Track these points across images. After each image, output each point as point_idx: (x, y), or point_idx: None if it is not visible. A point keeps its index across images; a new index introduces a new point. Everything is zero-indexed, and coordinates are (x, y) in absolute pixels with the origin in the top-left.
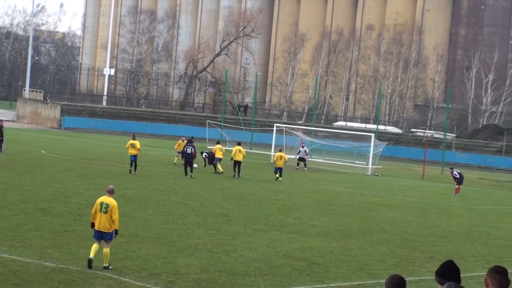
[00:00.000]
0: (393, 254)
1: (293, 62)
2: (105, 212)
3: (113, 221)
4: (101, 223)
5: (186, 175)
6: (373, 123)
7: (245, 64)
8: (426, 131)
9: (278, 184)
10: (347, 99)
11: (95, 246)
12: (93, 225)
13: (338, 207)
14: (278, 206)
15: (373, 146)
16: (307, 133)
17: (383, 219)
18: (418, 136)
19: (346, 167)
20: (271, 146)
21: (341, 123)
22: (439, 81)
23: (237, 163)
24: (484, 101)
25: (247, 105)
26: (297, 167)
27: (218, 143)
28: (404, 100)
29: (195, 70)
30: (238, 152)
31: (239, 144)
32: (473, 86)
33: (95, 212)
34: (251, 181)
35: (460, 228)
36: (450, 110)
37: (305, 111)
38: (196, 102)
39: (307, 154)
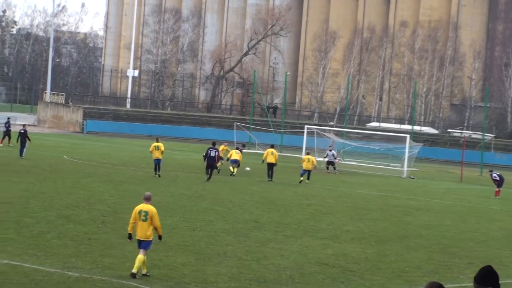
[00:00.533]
0: (431, 260)
1: (323, 61)
2: (145, 220)
3: (155, 228)
4: (142, 231)
5: (209, 178)
6: (408, 124)
7: (273, 63)
8: (463, 131)
9: (310, 188)
10: (381, 99)
11: (140, 258)
12: (130, 236)
13: (372, 211)
14: (310, 211)
15: (408, 148)
16: (339, 134)
17: (419, 224)
18: (455, 136)
19: (380, 169)
20: (302, 148)
21: (374, 124)
22: (477, 79)
23: (270, 166)
24: None
25: (277, 106)
26: (327, 170)
27: (244, 145)
28: (440, 99)
29: (222, 70)
30: (271, 155)
31: (272, 146)
32: None
33: (134, 221)
34: (281, 185)
35: (500, 233)
36: (488, 109)
37: (337, 112)
38: (224, 104)
39: (335, 158)
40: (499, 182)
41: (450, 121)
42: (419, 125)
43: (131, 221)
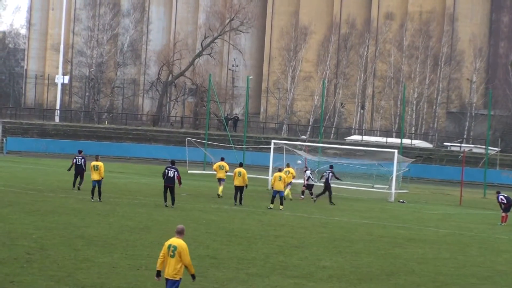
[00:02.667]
0: None
1: (293, 62)
2: (172, 256)
3: (186, 266)
4: (169, 269)
5: (165, 201)
6: (396, 137)
7: (233, 66)
8: (462, 145)
9: (278, 217)
10: (363, 107)
11: None
12: (158, 273)
13: (354, 243)
14: (279, 243)
15: (397, 165)
16: (313, 150)
17: (411, 257)
18: (453, 151)
19: (363, 192)
20: (268, 168)
21: (355, 137)
22: (478, 81)
23: (238, 189)
24: None
25: (237, 117)
26: (302, 196)
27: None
28: (434, 107)
29: (171, 75)
30: (238, 176)
31: (240, 165)
32: None
33: (164, 257)
34: (243, 212)
35: (508, 267)
36: (493, 118)
37: (310, 124)
38: (173, 116)
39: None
40: (507, 206)
41: (447, 133)
42: (410, 138)
43: (160, 256)
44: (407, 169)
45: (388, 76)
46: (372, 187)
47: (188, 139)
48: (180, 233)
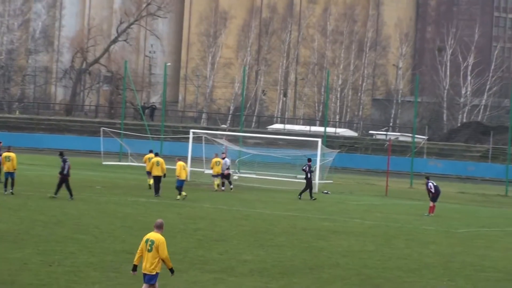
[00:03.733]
0: None
1: (213, 48)
2: (150, 250)
3: (163, 260)
4: (146, 263)
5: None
6: (320, 125)
7: (150, 52)
8: (388, 133)
9: (197, 209)
10: (285, 95)
11: None
12: (134, 267)
13: (276, 236)
14: (198, 237)
15: (321, 155)
16: (234, 140)
17: (335, 250)
18: (379, 140)
19: (286, 183)
20: (187, 158)
21: (278, 126)
22: (404, 67)
23: (156, 179)
24: (463, 92)
25: (154, 106)
26: (223, 187)
27: (154, 153)
28: (359, 94)
29: (85, 62)
30: (156, 165)
31: (156, 154)
32: (448, 73)
33: (141, 251)
34: (161, 205)
35: (436, 259)
36: (420, 105)
37: (231, 112)
38: (87, 105)
39: (227, 168)
40: (434, 195)
41: (373, 121)
42: (334, 126)
43: (138, 251)
44: (331, 158)
45: (312, 62)
46: (295, 177)
47: (103, 129)
48: (158, 227)
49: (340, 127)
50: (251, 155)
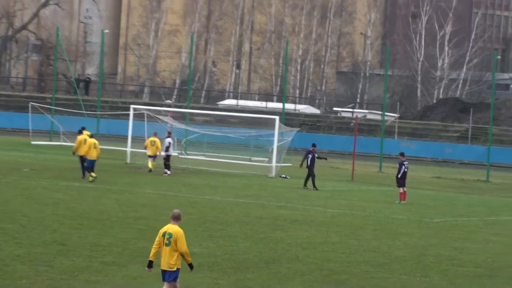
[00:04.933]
0: None
1: (156, 13)
2: (167, 245)
3: (182, 255)
4: (164, 259)
5: None
6: (278, 101)
7: (85, 18)
8: (355, 110)
9: (138, 195)
10: (238, 67)
11: None
12: (150, 263)
13: (228, 226)
14: (140, 227)
15: (278, 135)
16: (180, 117)
17: (295, 242)
18: (344, 118)
19: (239, 166)
20: (127, 138)
21: (230, 101)
22: (373, 36)
23: (92, 162)
24: (440, 64)
25: (89, 78)
26: (167, 171)
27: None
28: (322, 66)
29: (11, 28)
30: (93, 148)
31: (91, 136)
32: (422, 43)
33: (158, 245)
34: (98, 190)
35: (407, 252)
36: (390, 79)
37: (177, 86)
38: (14, 77)
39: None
40: (401, 180)
41: (337, 97)
42: (293, 102)
43: (154, 245)
44: (290, 139)
45: (268, 30)
46: (249, 160)
47: (31, 104)
48: (176, 218)
49: (300, 103)
50: (200, 134)
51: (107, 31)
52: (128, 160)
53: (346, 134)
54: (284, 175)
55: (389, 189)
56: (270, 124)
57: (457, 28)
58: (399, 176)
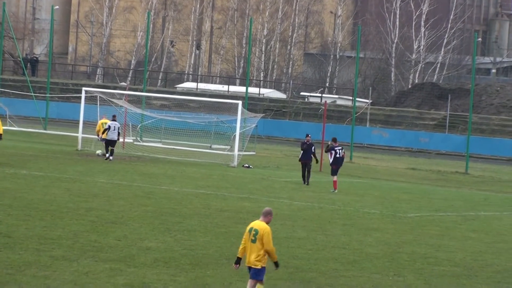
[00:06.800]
0: None
1: None
2: (253, 241)
3: (267, 253)
4: (249, 256)
5: None
6: (241, 84)
7: None
8: (324, 95)
9: (90, 184)
10: (198, 47)
11: None
12: (238, 260)
13: (186, 218)
14: (91, 219)
15: (241, 121)
16: (135, 101)
17: None
18: (312, 104)
19: (199, 154)
20: (78, 122)
21: (189, 84)
22: (344, 15)
23: None
24: (416, 46)
25: (37, 58)
26: (109, 156)
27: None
28: (288, 47)
29: None
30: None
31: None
32: (397, 24)
33: (245, 241)
34: (46, 179)
35: (380, 249)
36: (362, 62)
37: (132, 67)
38: None
39: (119, 134)
40: (336, 167)
41: (305, 81)
42: (257, 86)
43: (242, 241)
44: (253, 125)
45: (231, 7)
46: (210, 147)
47: None
48: (265, 215)
49: (265, 87)
50: (156, 119)
51: (57, 7)
52: (80, 147)
53: (314, 121)
54: (247, 165)
55: (360, 181)
56: (232, 109)
57: (434, 7)
58: (330, 162)
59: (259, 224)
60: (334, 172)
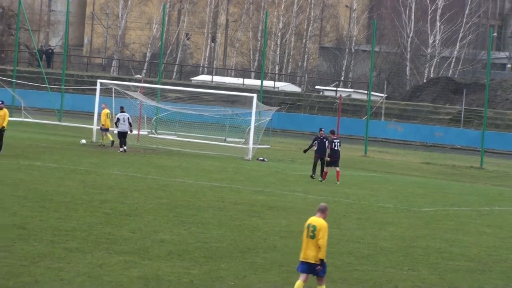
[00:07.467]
0: (288, 285)
1: None
2: (312, 237)
3: (318, 247)
4: (307, 251)
5: None
6: (256, 78)
7: None
8: (339, 89)
9: (105, 176)
10: (214, 40)
11: (298, 284)
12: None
13: (200, 211)
14: (106, 211)
15: (256, 114)
16: (150, 93)
17: (272, 230)
18: (327, 97)
19: (213, 147)
20: (93, 114)
21: (204, 77)
22: (360, 9)
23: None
24: (431, 41)
25: (52, 50)
26: (121, 149)
27: None
28: (304, 41)
29: None
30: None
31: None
32: (412, 18)
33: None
34: (61, 171)
35: (395, 243)
36: (377, 56)
37: (147, 60)
38: None
39: (130, 125)
40: (333, 159)
41: (320, 74)
42: (272, 79)
43: (303, 237)
44: (268, 118)
45: (246, 0)
46: (224, 140)
47: None
48: (321, 211)
49: (280, 80)
50: (171, 112)
51: None
52: (94, 139)
53: (329, 115)
54: (261, 158)
55: (374, 175)
56: (247, 102)
57: (450, 1)
58: (328, 151)
59: (316, 220)
60: (328, 163)
